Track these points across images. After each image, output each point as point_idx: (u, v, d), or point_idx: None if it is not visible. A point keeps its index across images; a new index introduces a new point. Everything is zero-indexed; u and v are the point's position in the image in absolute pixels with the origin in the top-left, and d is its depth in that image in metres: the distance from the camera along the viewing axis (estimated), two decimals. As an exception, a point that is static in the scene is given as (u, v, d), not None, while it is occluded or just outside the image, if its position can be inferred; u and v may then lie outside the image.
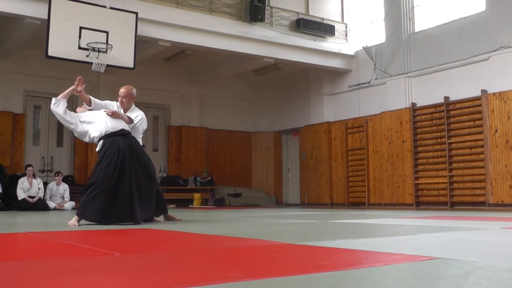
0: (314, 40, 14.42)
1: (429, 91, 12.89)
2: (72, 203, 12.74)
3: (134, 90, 6.45)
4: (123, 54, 11.14)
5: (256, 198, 16.51)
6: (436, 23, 13.00)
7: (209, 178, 16.24)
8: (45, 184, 12.78)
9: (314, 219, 7.26)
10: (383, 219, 7.20)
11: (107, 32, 10.89)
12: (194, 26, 12.34)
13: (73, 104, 14.57)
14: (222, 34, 12.79)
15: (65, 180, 13.22)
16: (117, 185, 5.69)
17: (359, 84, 14.80)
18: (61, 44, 10.47)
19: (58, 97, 6.07)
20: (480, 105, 11.78)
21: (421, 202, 12.94)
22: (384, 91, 13.97)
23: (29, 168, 12.35)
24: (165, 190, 12.95)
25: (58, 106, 5.99)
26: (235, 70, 15.48)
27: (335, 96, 15.68)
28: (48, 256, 3.13)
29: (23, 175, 12.47)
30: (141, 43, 11.73)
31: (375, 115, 14.24)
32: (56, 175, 12.96)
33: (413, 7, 13.67)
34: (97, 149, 5.95)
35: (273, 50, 13.67)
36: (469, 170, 12.08)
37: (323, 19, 14.96)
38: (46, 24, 10.35)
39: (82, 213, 5.68)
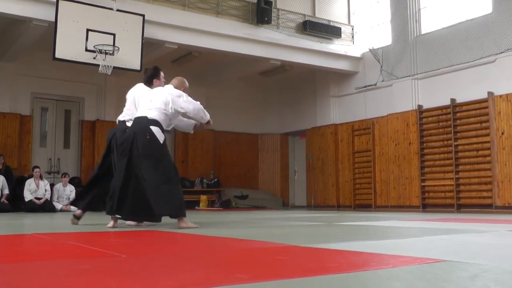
0: (321, 42, 14.41)
1: (435, 93, 12.86)
2: (79, 205, 12.76)
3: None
4: (130, 56, 11.17)
5: (263, 200, 16.51)
6: (443, 25, 12.97)
7: (215, 180, 16.25)
8: (52, 186, 12.82)
9: (321, 221, 7.26)
10: (389, 221, 7.19)
11: (114, 34, 10.92)
12: (201, 28, 12.35)
13: (79, 105, 14.64)
14: (229, 36, 12.80)
15: (72, 181, 13.26)
16: None
17: (365, 86, 14.77)
18: (68, 46, 10.50)
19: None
20: (487, 107, 11.74)
21: (427, 204, 12.90)
22: (390, 93, 13.95)
23: (36, 170, 12.40)
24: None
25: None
26: (241, 72, 15.48)
27: (342, 98, 15.66)
28: (56, 258, 3.15)
29: (30, 176, 12.51)
30: (148, 45, 11.75)
31: (382, 117, 14.21)
32: (63, 176, 13.01)
33: (419, 9, 13.65)
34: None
35: (280, 52, 13.67)
36: (476, 172, 12.04)
37: (329, 21, 14.95)
38: (53, 26, 10.38)
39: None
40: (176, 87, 5.81)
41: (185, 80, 6.01)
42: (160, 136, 5.52)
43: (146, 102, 5.70)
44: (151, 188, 5.33)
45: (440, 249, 3.35)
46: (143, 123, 5.53)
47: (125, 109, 6.31)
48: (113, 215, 5.56)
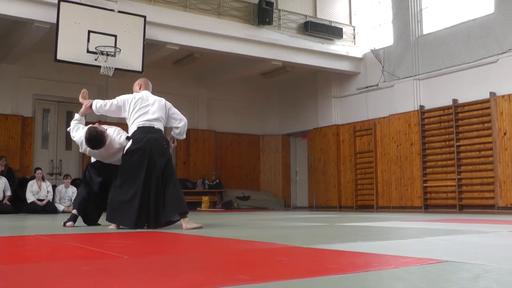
0: (322, 43, 14.41)
1: (437, 94, 12.85)
2: (81, 206, 12.76)
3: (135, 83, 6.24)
4: (131, 58, 11.17)
5: (264, 201, 16.50)
6: (445, 25, 12.96)
7: (217, 181, 16.25)
8: (54, 187, 12.83)
9: (323, 222, 7.25)
10: (391, 222, 7.18)
11: (115, 36, 10.92)
12: (202, 29, 12.35)
13: (81, 107, 14.61)
14: (230, 37, 12.80)
15: (74, 183, 13.25)
16: None
17: (367, 87, 14.77)
18: (70, 47, 10.50)
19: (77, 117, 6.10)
20: (489, 108, 11.73)
21: (429, 205, 12.89)
22: (392, 94, 13.94)
23: (38, 171, 12.41)
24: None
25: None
26: (243, 73, 15.48)
27: (343, 98, 15.66)
28: (58, 259, 3.15)
29: (32, 178, 12.53)
30: (149, 46, 11.74)
31: (383, 117, 14.20)
32: (65, 178, 13.01)
33: (421, 10, 13.64)
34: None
35: (281, 53, 13.67)
36: (478, 173, 12.02)
37: (331, 21, 14.95)
38: (55, 28, 10.38)
39: None
40: (146, 89, 6.03)
41: (149, 81, 6.20)
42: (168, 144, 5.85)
43: (147, 111, 5.73)
44: (170, 186, 5.52)
45: (442, 250, 3.34)
46: (155, 132, 5.69)
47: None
48: (134, 229, 5.49)
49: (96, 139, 5.56)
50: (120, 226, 5.58)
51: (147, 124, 5.67)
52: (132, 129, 5.72)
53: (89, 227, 5.83)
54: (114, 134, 5.80)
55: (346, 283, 2.09)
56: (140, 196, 5.45)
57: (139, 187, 5.46)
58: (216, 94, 16.98)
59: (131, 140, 5.66)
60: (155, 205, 5.49)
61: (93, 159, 6.07)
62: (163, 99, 5.94)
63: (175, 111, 5.96)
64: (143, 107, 5.75)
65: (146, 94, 5.93)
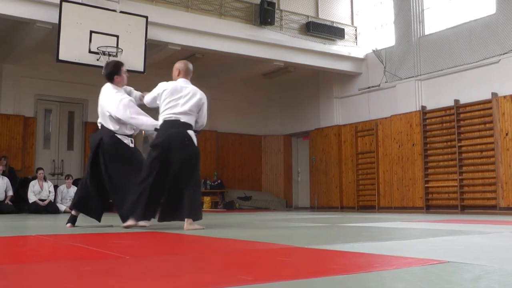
0: (324, 43, 14.41)
1: (439, 94, 12.84)
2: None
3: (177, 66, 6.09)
4: (133, 58, 11.16)
5: (266, 201, 16.50)
6: (446, 25, 12.95)
7: (219, 181, 16.25)
8: (56, 187, 12.84)
9: (324, 223, 7.24)
10: (393, 223, 7.17)
11: (117, 36, 10.93)
12: (204, 30, 12.35)
13: (83, 107, 14.66)
14: (232, 37, 12.80)
15: (75, 183, 13.25)
16: None
17: (369, 87, 14.76)
18: (72, 48, 10.50)
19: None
20: (490, 108, 11.72)
21: (431, 205, 12.88)
22: (394, 94, 13.93)
23: (40, 171, 12.42)
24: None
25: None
26: (245, 73, 15.48)
27: (345, 99, 15.65)
28: (59, 259, 3.15)
29: (34, 178, 12.54)
30: (151, 46, 11.75)
31: (385, 118, 14.20)
32: (67, 178, 13.03)
33: (423, 10, 13.63)
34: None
35: (283, 53, 13.67)
36: (480, 174, 12.01)
37: (332, 22, 14.95)
38: (57, 28, 10.39)
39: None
40: (185, 77, 5.87)
41: (189, 64, 6.03)
42: (195, 140, 5.55)
43: (177, 104, 5.53)
44: (187, 188, 5.37)
45: (444, 250, 3.34)
46: (179, 126, 5.48)
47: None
48: (142, 220, 5.40)
49: (111, 63, 6.08)
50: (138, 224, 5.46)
51: (173, 117, 5.47)
52: (159, 121, 5.60)
53: (89, 227, 5.83)
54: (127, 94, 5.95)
55: (347, 283, 2.09)
56: (150, 189, 5.34)
57: (151, 181, 5.35)
58: (217, 94, 16.93)
59: (155, 134, 5.60)
60: (168, 201, 5.45)
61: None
62: (199, 93, 5.70)
63: (204, 111, 5.72)
64: (174, 100, 5.54)
65: (182, 84, 5.72)
